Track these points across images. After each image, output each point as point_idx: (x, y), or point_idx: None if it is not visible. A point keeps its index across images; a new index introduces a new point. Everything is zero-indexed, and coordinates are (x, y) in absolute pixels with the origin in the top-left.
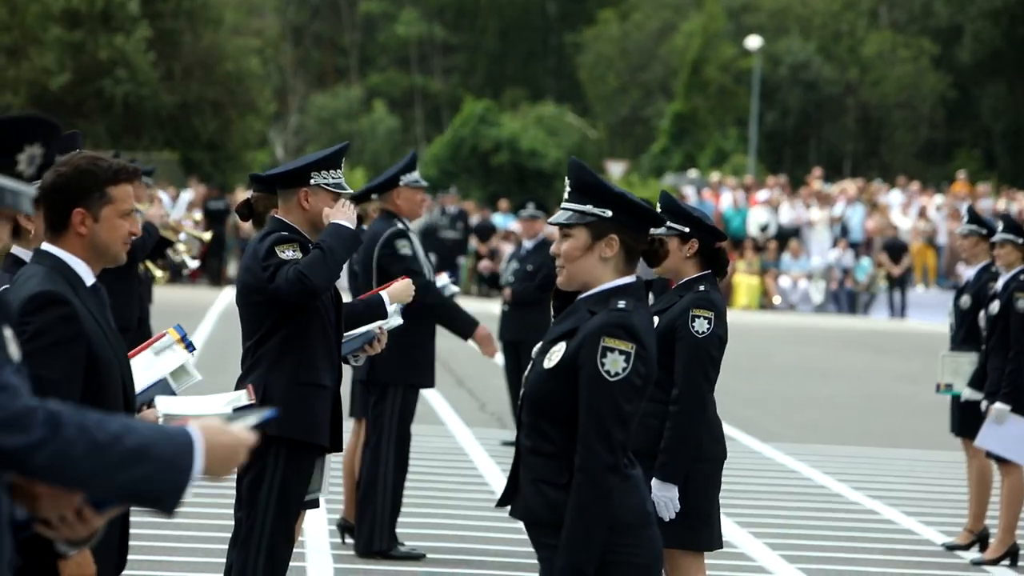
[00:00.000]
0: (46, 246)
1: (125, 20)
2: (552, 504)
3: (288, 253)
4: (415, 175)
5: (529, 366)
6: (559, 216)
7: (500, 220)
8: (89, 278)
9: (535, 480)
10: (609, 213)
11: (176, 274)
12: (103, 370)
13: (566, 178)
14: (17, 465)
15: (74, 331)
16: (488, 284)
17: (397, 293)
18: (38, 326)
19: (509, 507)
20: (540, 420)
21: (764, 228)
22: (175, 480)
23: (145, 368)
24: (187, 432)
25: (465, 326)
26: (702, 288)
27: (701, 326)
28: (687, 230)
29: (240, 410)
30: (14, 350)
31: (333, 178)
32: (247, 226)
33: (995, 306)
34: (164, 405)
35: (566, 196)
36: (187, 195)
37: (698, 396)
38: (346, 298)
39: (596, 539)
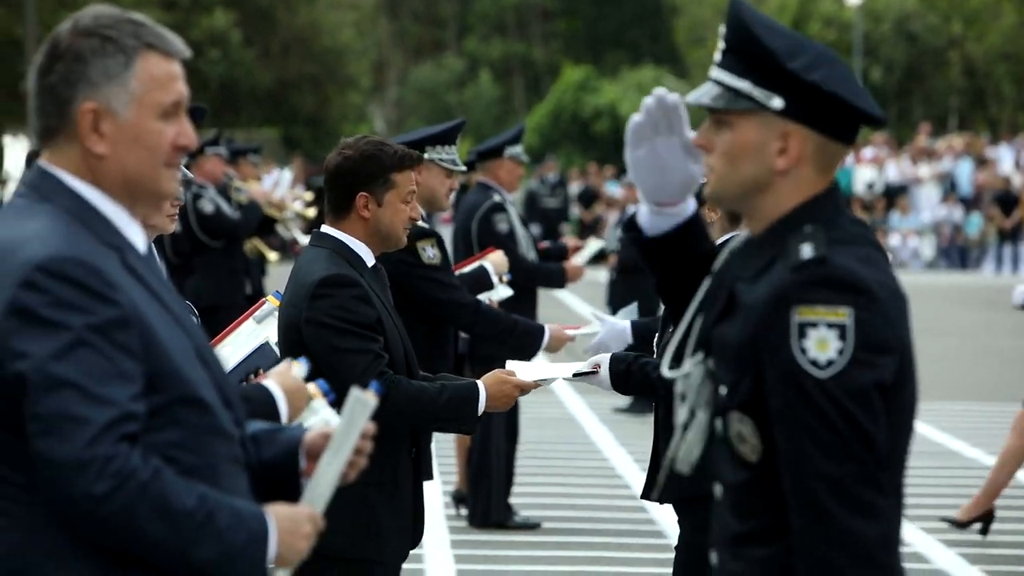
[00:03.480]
0: (327, 228)
1: (217, 2)
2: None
3: (429, 252)
4: (519, 148)
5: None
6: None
7: (608, 187)
8: (370, 259)
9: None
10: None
11: (287, 251)
12: (390, 349)
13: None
14: (82, 513)
15: (368, 311)
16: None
17: (499, 263)
18: (332, 308)
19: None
20: None
21: (871, 186)
22: (249, 568)
23: (249, 336)
24: (263, 518)
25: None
26: None
27: None
28: None
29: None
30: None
31: (447, 154)
32: None
33: None
34: (516, 368)
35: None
36: (288, 173)
37: None
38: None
39: None
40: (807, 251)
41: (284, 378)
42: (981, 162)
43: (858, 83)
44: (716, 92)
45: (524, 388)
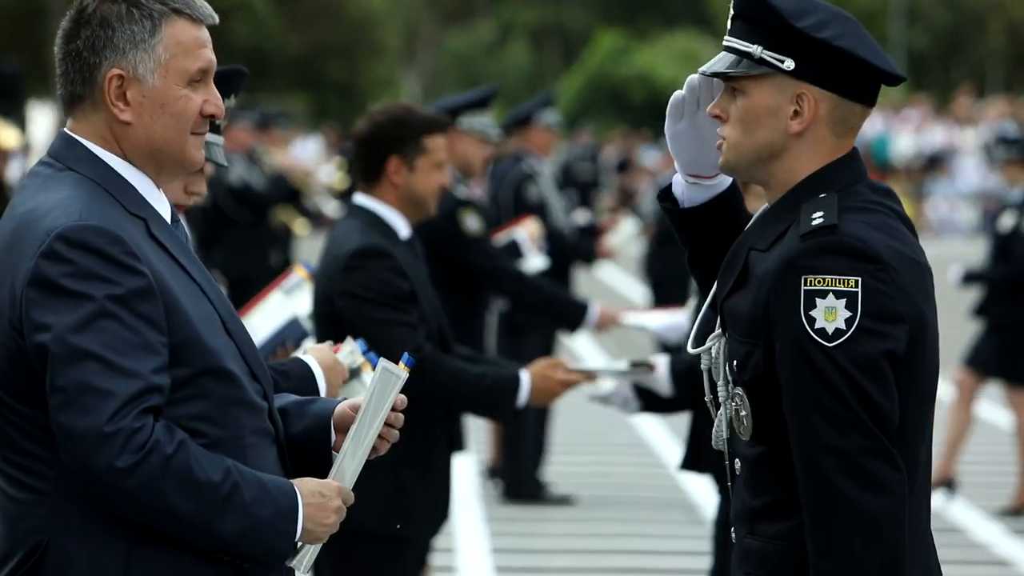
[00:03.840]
0: (359, 198)
1: None
2: None
3: (470, 222)
4: (551, 114)
5: None
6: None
7: (643, 153)
8: (404, 231)
9: None
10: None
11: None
12: (425, 323)
13: None
14: (105, 486)
15: (401, 283)
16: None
17: (532, 232)
18: (367, 279)
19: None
20: None
21: (912, 152)
22: (276, 542)
23: (278, 308)
24: (291, 493)
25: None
26: None
27: None
28: None
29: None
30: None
31: (481, 121)
32: None
33: None
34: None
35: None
36: (313, 143)
37: None
38: None
39: None
40: (817, 218)
41: (322, 353)
42: None
43: (873, 41)
44: (728, 60)
45: (569, 383)
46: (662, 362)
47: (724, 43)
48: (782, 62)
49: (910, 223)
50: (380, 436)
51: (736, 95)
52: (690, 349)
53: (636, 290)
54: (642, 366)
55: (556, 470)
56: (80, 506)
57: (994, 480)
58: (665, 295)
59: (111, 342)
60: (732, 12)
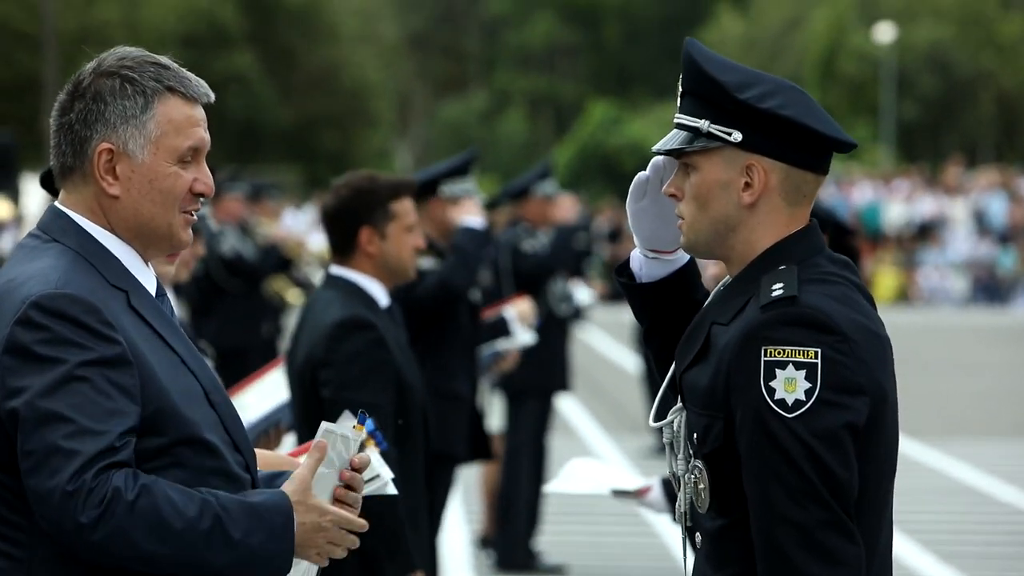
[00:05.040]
0: (336, 270)
1: (239, 40)
2: None
3: (425, 263)
4: (547, 185)
5: None
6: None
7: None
8: (383, 299)
9: None
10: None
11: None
12: (407, 393)
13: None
14: (76, 543)
15: (384, 356)
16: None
17: (524, 312)
18: (350, 352)
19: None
20: None
21: (903, 221)
22: (273, 564)
23: (275, 388)
24: (284, 509)
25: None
26: None
27: None
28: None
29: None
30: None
31: (463, 186)
32: None
33: None
34: (573, 471)
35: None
36: (304, 213)
37: None
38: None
39: None
40: (777, 289)
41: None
42: (1014, 196)
43: (820, 109)
44: (680, 137)
45: None
46: (655, 485)
47: (674, 120)
48: (729, 134)
49: (869, 295)
50: (337, 500)
51: (689, 171)
52: (651, 423)
53: (629, 359)
54: (626, 493)
55: (549, 539)
56: (57, 571)
57: (987, 551)
58: None
59: (80, 404)
60: (680, 89)
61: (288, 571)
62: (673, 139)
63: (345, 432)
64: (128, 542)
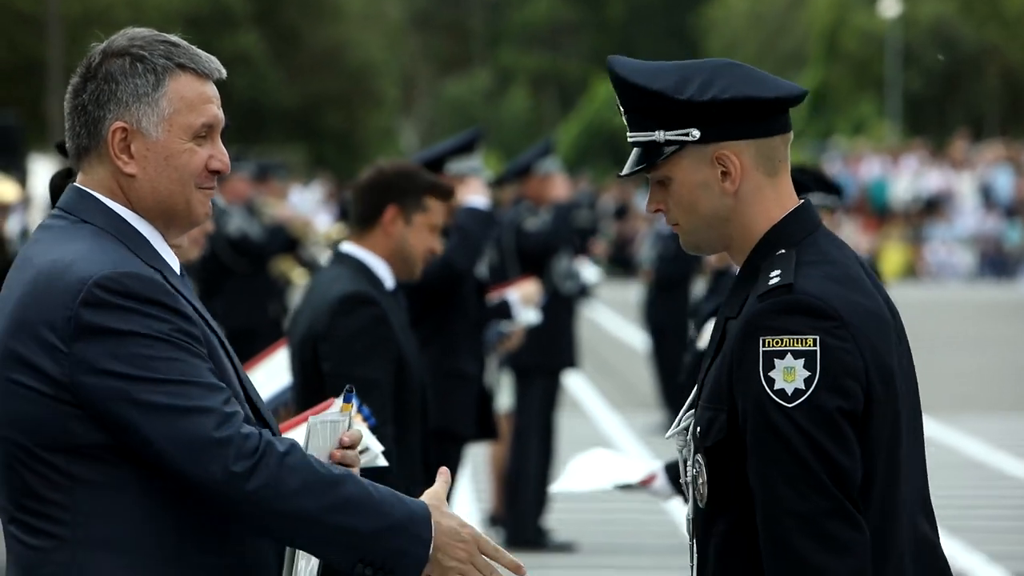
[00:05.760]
0: (348, 247)
1: (244, 19)
2: None
3: None
4: (550, 162)
5: None
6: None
7: (642, 201)
8: (389, 281)
9: None
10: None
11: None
12: (407, 372)
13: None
14: (227, 493)
15: (386, 332)
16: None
17: (529, 294)
18: (353, 327)
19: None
20: None
21: (910, 196)
22: (411, 546)
23: (284, 367)
24: (425, 506)
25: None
26: None
27: None
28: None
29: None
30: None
31: (469, 164)
32: None
33: None
34: (581, 467)
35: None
36: (311, 193)
37: None
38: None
39: None
40: (774, 277)
41: None
42: (1020, 170)
43: (759, 73)
44: (641, 154)
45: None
46: (659, 473)
47: (629, 140)
48: (687, 135)
49: (869, 271)
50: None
51: (663, 185)
52: (667, 435)
53: (636, 336)
54: (630, 486)
55: (558, 517)
56: (100, 550)
57: (994, 525)
58: (665, 340)
59: (188, 369)
60: (621, 110)
61: (425, 559)
62: (636, 160)
63: (331, 418)
64: (279, 494)
